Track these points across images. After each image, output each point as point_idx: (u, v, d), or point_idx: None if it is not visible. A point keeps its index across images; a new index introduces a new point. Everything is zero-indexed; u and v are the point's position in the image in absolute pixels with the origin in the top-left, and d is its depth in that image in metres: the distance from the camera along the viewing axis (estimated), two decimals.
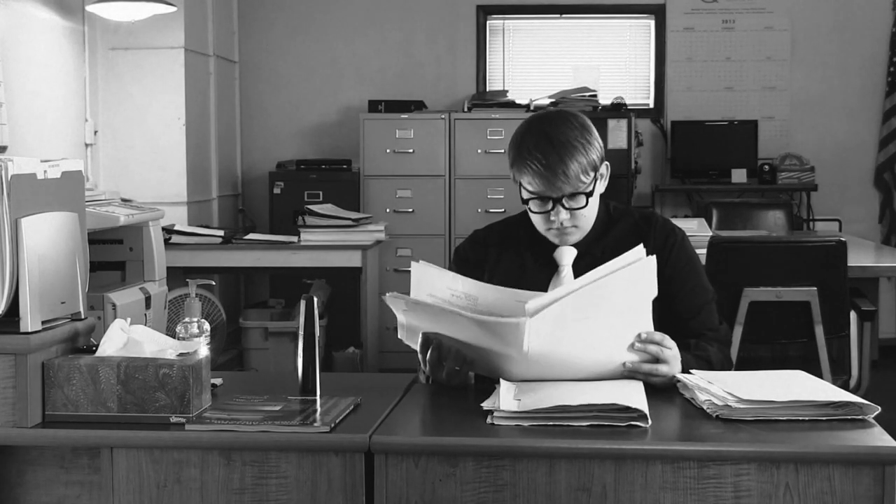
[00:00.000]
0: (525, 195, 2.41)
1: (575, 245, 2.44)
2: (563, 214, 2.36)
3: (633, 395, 1.99)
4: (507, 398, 2.00)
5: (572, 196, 2.36)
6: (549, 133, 2.35)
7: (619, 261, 2.10)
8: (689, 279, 2.45)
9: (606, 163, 2.44)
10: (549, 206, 2.37)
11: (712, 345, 2.39)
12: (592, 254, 2.42)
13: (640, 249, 2.14)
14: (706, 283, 2.49)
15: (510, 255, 2.50)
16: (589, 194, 2.37)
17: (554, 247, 2.45)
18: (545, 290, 2.34)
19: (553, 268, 2.43)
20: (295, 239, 5.27)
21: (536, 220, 2.42)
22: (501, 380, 2.12)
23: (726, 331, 2.51)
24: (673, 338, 2.23)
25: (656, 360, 2.15)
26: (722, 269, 3.78)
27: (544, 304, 2.02)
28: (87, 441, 1.95)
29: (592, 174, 2.37)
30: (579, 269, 2.39)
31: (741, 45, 6.86)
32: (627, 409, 1.92)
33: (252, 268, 5.46)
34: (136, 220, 4.16)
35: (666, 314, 2.35)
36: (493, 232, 2.59)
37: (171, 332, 2.29)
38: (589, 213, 2.41)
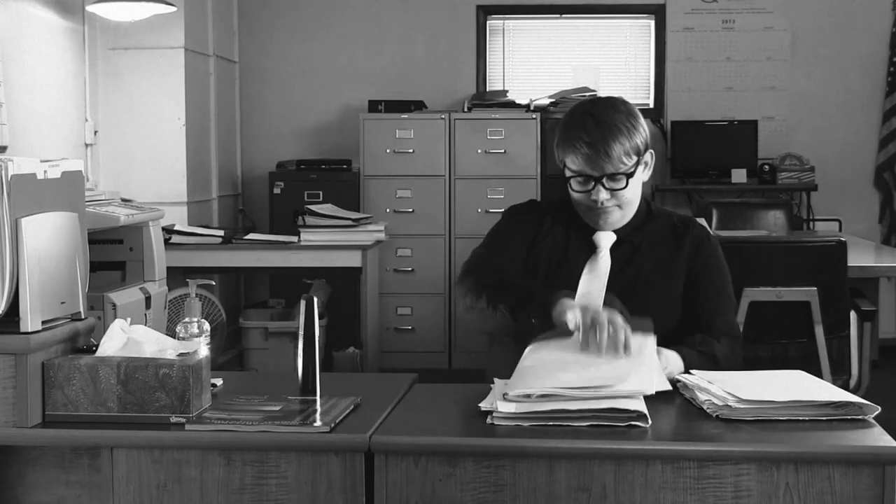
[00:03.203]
0: (568, 173, 2.44)
1: (614, 231, 2.47)
2: (604, 194, 2.40)
3: (640, 382, 1.99)
4: (503, 397, 1.99)
5: (613, 177, 2.39)
6: (595, 114, 2.41)
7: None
8: (713, 282, 2.49)
9: (651, 151, 2.47)
10: (591, 185, 2.40)
11: (720, 339, 2.40)
12: (631, 241, 2.47)
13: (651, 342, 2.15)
14: (730, 293, 2.53)
15: (557, 232, 2.52)
16: (630, 175, 2.40)
17: (594, 232, 2.48)
18: (580, 270, 2.42)
19: (592, 250, 2.47)
20: (295, 239, 5.27)
21: (577, 198, 2.45)
22: (496, 379, 2.12)
23: (738, 333, 2.51)
24: (687, 332, 2.32)
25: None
26: None
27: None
28: (87, 441, 1.95)
29: (635, 158, 2.41)
30: (617, 255, 2.45)
31: (741, 45, 6.86)
32: (627, 410, 1.92)
33: (252, 268, 5.46)
34: (136, 220, 4.16)
35: (685, 312, 2.42)
36: (548, 206, 2.62)
37: (171, 332, 2.29)
38: (630, 196, 2.44)
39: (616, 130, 2.38)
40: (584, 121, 2.39)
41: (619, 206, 2.43)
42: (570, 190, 2.46)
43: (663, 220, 2.53)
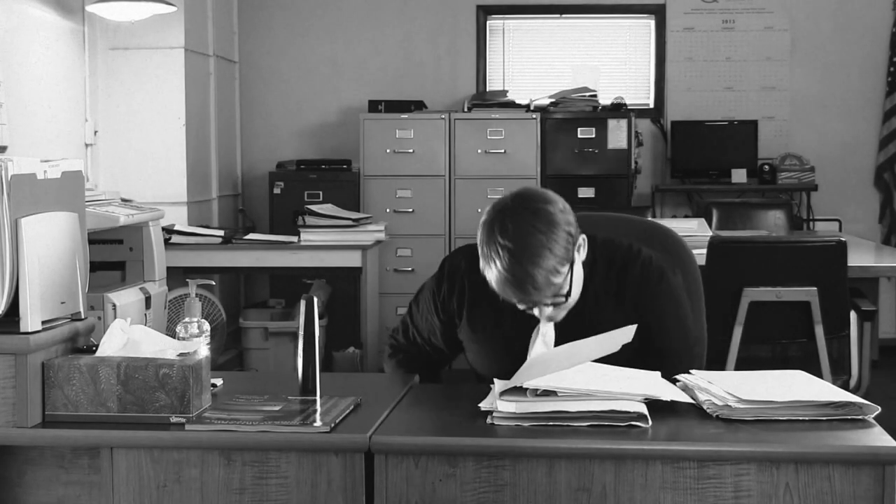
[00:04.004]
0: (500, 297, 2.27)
1: None
2: (546, 310, 2.26)
3: (645, 388, 2.00)
4: (502, 398, 1.99)
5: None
6: (511, 245, 2.17)
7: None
8: (669, 322, 2.37)
9: (583, 236, 2.29)
10: (528, 306, 2.26)
11: None
12: (576, 309, 2.32)
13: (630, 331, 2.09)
14: (689, 324, 2.40)
15: (488, 300, 2.31)
16: (567, 294, 2.24)
17: None
18: (526, 340, 2.30)
19: (533, 320, 2.32)
20: (295, 239, 5.27)
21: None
22: (496, 379, 2.12)
23: (700, 362, 2.42)
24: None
25: None
26: (722, 269, 3.78)
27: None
28: (87, 441, 1.95)
29: (566, 267, 2.22)
30: (561, 319, 2.32)
31: (741, 45, 6.86)
32: (627, 412, 1.92)
33: (252, 268, 5.45)
34: (136, 220, 4.16)
35: (651, 357, 2.29)
36: (470, 267, 2.37)
37: (171, 332, 2.29)
38: (573, 296, 2.28)
39: (537, 257, 2.16)
40: (503, 255, 2.17)
41: (565, 306, 2.28)
42: None
43: (605, 267, 2.37)
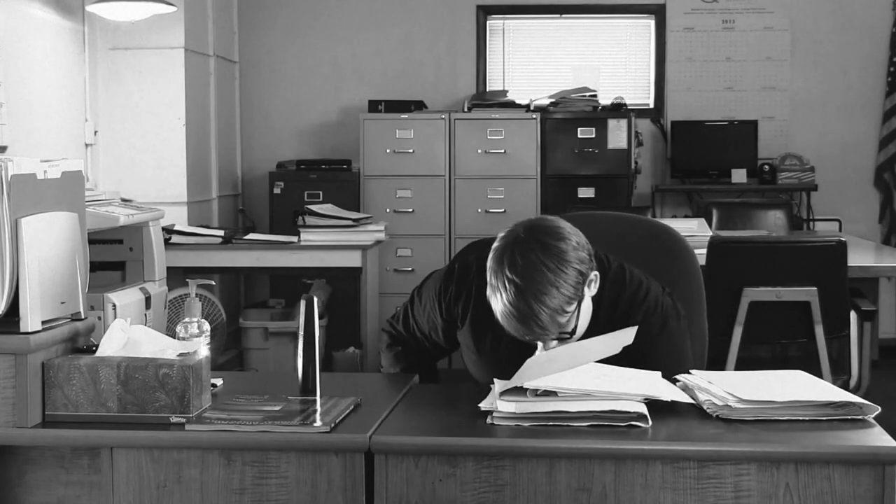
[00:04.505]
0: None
1: None
2: (552, 344, 2.21)
3: (645, 388, 2.00)
4: (502, 398, 1.99)
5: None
6: (519, 281, 2.13)
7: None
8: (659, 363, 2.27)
9: (595, 273, 2.23)
10: (532, 340, 2.21)
11: None
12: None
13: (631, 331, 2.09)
14: (680, 368, 2.31)
15: (492, 314, 2.24)
16: (572, 332, 2.20)
17: None
18: (518, 360, 2.20)
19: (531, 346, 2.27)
20: (295, 239, 5.27)
21: None
22: (496, 379, 2.12)
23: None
24: None
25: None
26: (722, 269, 3.78)
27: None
28: (87, 441, 1.95)
29: (573, 304, 2.17)
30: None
31: (741, 45, 6.86)
32: (627, 412, 1.92)
33: (252, 268, 5.45)
34: (136, 220, 4.16)
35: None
36: (480, 271, 2.30)
37: (171, 332, 2.29)
38: (579, 331, 2.23)
39: (543, 295, 2.12)
40: (510, 290, 2.13)
41: (572, 335, 2.23)
42: None
43: (609, 308, 2.31)
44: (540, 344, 2.23)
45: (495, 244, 2.22)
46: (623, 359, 2.18)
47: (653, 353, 2.27)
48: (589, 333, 2.25)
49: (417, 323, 2.54)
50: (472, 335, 2.40)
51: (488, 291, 2.20)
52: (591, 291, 2.23)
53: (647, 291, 2.34)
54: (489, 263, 2.20)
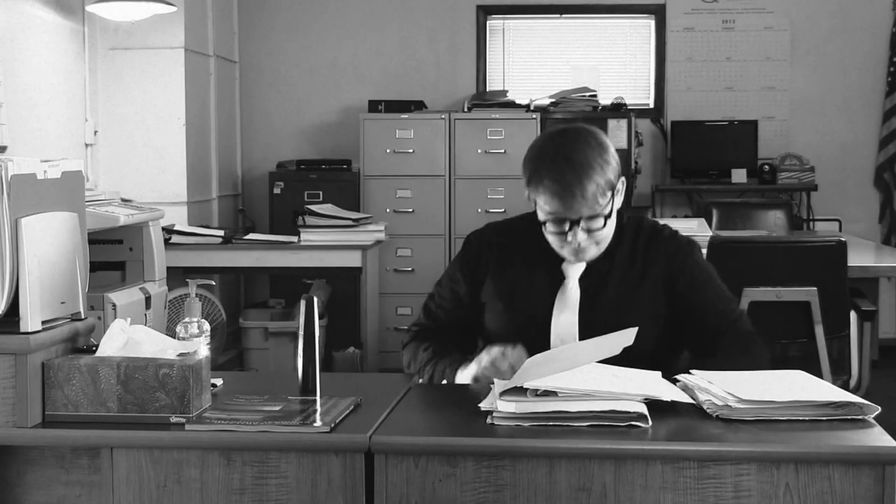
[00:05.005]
0: (542, 215, 2.36)
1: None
2: (581, 235, 2.32)
3: (646, 388, 2.00)
4: (502, 398, 1.99)
5: (590, 218, 2.31)
6: (567, 153, 2.30)
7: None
8: (706, 292, 2.42)
9: (623, 178, 2.39)
10: (567, 226, 2.32)
11: (749, 341, 2.39)
12: (599, 269, 2.40)
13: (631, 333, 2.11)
14: (725, 290, 2.46)
15: (518, 261, 2.45)
16: (607, 216, 2.33)
17: (561, 259, 2.42)
18: (550, 302, 2.36)
19: (558, 279, 2.41)
20: (295, 239, 5.27)
21: (552, 239, 2.38)
22: (496, 379, 2.12)
23: (752, 327, 2.47)
24: (708, 352, 2.31)
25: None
26: (722, 269, 3.76)
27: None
28: (87, 441, 1.95)
29: (609, 194, 2.32)
30: (586, 284, 2.39)
31: (741, 45, 6.86)
32: (627, 412, 1.92)
33: (252, 268, 5.46)
34: (136, 220, 4.16)
35: (695, 332, 2.37)
36: (510, 230, 2.52)
37: (171, 332, 2.29)
38: (607, 233, 2.37)
39: (590, 169, 2.28)
40: (557, 162, 2.29)
41: (597, 243, 2.37)
42: (544, 231, 2.38)
43: (632, 236, 2.44)
44: (565, 266, 2.37)
45: (534, 142, 2.40)
46: (655, 284, 2.35)
47: (688, 268, 2.41)
48: (612, 257, 2.39)
49: (440, 305, 2.54)
50: (497, 285, 2.45)
51: (530, 178, 2.33)
52: (618, 200, 2.36)
53: (665, 225, 2.51)
54: (530, 155, 2.37)
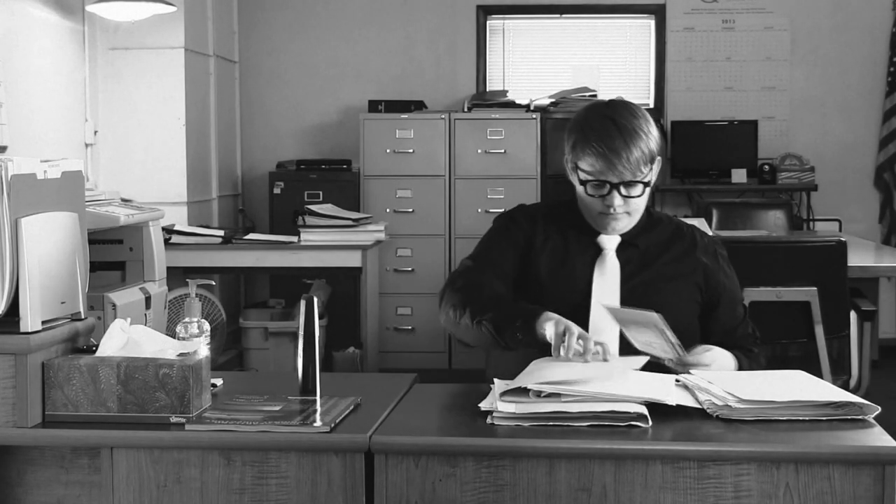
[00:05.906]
0: (583, 177, 2.40)
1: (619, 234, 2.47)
2: (618, 200, 2.38)
3: (649, 390, 2.00)
4: (502, 398, 1.99)
5: (630, 184, 2.37)
6: (615, 118, 2.38)
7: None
8: (735, 294, 2.55)
9: (660, 158, 2.45)
10: (606, 190, 2.38)
11: (755, 344, 2.51)
12: (636, 245, 2.47)
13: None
14: (742, 297, 2.60)
15: (554, 236, 2.50)
16: (646, 184, 2.40)
17: (597, 234, 2.47)
18: (589, 273, 2.41)
19: (596, 252, 2.46)
20: (295, 239, 5.27)
21: (589, 202, 2.42)
22: (496, 379, 2.12)
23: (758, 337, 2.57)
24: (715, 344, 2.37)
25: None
26: None
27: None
28: (87, 441, 1.95)
29: (650, 165, 2.39)
30: (624, 258, 2.44)
31: (741, 45, 6.86)
32: (627, 413, 1.92)
33: (252, 268, 5.45)
34: (136, 220, 4.16)
35: (710, 322, 2.47)
36: (542, 210, 2.59)
37: (171, 332, 2.29)
38: (640, 204, 2.44)
39: (636, 136, 2.36)
40: (605, 125, 2.37)
41: (629, 213, 2.42)
42: (582, 193, 2.42)
43: (665, 225, 2.54)
44: (601, 239, 2.43)
45: (580, 110, 2.48)
46: (692, 268, 2.45)
47: (730, 267, 2.55)
48: (648, 238, 2.46)
49: (488, 260, 2.49)
50: (538, 260, 2.47)
51: (576, 142, 2.40)
52: (655, 172, 2.42)
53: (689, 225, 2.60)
54: (579, 119, 2.44)
